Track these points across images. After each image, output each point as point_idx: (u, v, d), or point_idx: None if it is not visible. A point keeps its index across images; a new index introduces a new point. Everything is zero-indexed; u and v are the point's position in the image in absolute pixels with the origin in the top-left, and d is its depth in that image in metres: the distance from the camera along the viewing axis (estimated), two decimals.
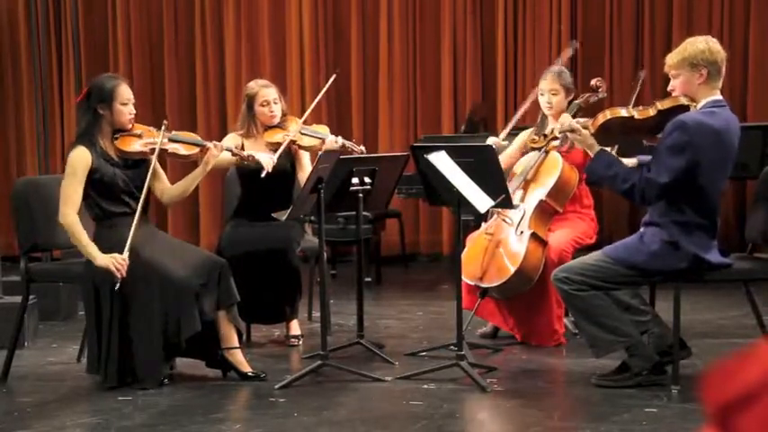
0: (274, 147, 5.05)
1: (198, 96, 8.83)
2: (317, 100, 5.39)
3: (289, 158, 5.14)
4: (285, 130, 5.11)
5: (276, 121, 5.15)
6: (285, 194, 5.08)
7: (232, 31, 8.79)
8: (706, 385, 0.83)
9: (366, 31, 8.71)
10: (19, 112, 9.07)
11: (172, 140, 4.51)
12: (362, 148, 5.10)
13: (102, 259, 4.20)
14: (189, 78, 8.93)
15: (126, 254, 4.20)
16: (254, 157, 4.83)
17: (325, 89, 5.37)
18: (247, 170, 4.99)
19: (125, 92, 4.41)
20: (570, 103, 5.08)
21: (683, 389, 4.00)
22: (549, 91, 5.08)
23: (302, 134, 5.10)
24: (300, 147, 5.12)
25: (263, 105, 5.13)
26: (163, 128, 4.44)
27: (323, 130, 5.20)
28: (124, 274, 4.16)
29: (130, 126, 4.43)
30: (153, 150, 4.41)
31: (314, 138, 5.10)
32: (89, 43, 8.94)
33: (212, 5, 8.83)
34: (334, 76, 5.47)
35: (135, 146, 4.41)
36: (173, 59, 8.90)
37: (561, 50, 8.22)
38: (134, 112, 4.44)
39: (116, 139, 4.41)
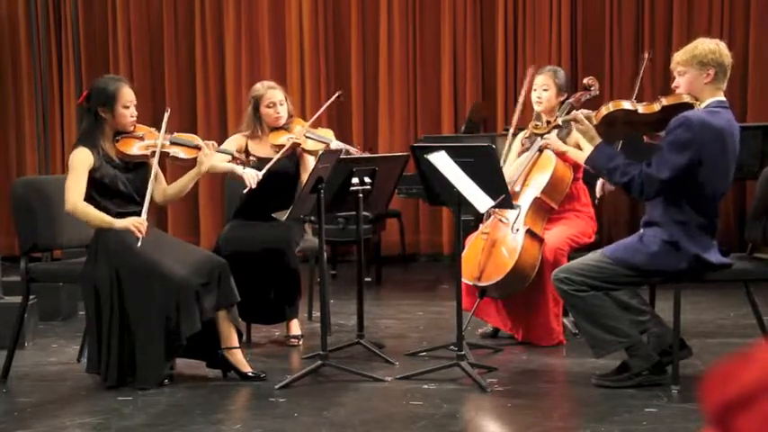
0: (278, 148, 5.06)
1: (198, 96, 8.84)
2: (319, 112, 5.39)
3: (294, 161, 5.14)
4: (290, 132, 5.11)
5: (282, 122, 5.15)
6: (288, 196, 5.09)
7: (232, 31, 8.79)
8: (706, 386, 0.83)
9: (366, 31, 8.71)
10: (19, 112, 9.08)
11: (173, 143, 4.50)
12: (367, 154, 5.10)
13: (120, 222, 4.25)
14: (189, 78, 8.93)
15: (144, 216, 4.27)
16: (252, 168, 4.86)
17: (326, 104, 5.43)
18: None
19: (127, 94, 4.39)
20: (563, 102, 5.10)
21: (683, 389, 4.00)
22: (540, 86, 5.12)
23: (307, 137, 5.10)
24: (305, 150, 5.11)
25: (269, 107, 5.13)
26: (163, 130, 4.43)
27: (328, 134, 5.19)
28: (144, 234, 4.21)
29: (132, 128, 4.43)
30: (154, 153, 4.40)
31: (318, 142, 5.09)
32: (89, 43, 8.94)
33: (212, 5, 8.83)
34: (337, 94, 5.55)
35: (136, 148, 4.41)
36: (173, 59, 8.90)
37: (561, 50, 8.25)
38: (136, 114, 4.44)
39: (117, 141, 4.40)
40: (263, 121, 5.15)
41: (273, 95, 5.13)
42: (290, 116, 5.19)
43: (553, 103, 5.12)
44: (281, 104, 5.14)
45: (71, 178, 4.31)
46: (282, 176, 5.00)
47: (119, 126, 4.40)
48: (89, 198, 4.34)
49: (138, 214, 4.33)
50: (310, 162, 5.13)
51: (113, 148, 4.40)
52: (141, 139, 4.44)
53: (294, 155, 5.13)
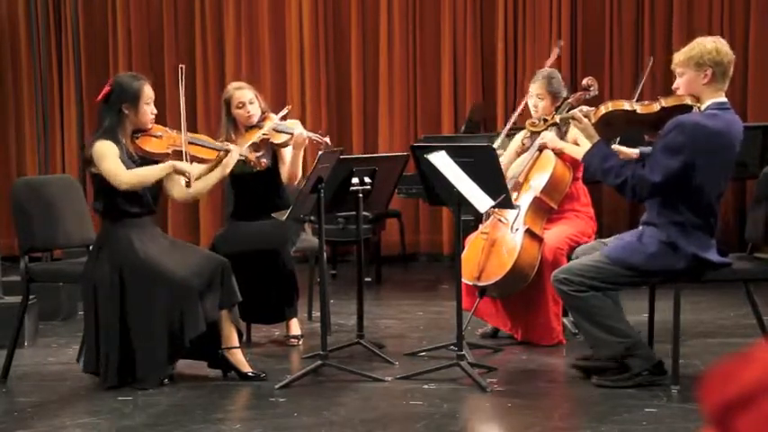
0: (254, 146, 5.06)
1: (198, 97, 8.83)
2: (276, 118, 5.17)
3: (270, 155, 5.14)
4: (263, 129, 5.11)
5: (255, 120, 5.14)
6: (274, 191, 5.10)
7: (232, 31, 8.79)
8: (706, 386, 0.83)
9: (366, 31, 8.71)
10: (19, 111, 9.08)
11: (192, 143, 4.51)
12: (327, 139, 5.04)
13: (181, 164, 4.31)
14: (189, 78, 8.91)
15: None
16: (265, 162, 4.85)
17: (281, 113, 5.26)
18: (235, 173, 4.95)
19: (149, 92, 4.42)
20: (561, 104, 5.09)
21: (683, 389, 4.00)
22: (535, 95, 5.12)
23: (276, 131, 5.10)
24: (275, 144, 5.11)
25: (239, 108, 5.13)
26: (183, 131, 4.42)
27: (294, 124, 5.19)
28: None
29: (150, 126, 4.44)
30: (175, 152, 4.41)
31: (284, 134, 5.09)
32: (89, 43, 8.94)
33: (212, 5, 8.83)
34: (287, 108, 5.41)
35: (157, 146, 4.42)
36: (173, 59, 8.89)
37: (561, 50, 8.25)
38: (155, 111, 4.45)
39: (137, 138, 4.41)
40: (237, 123, 5.16)
41: (242, 95, 5.14)
42: (264, 113, 5.19)
43: (548, 111, 5.10)
44: (251, 103, 5.13)
45: (108, 163, 4.25)
46: (262, 174, 5.00)
47: (140, 123, 4.41)
48: (102, 192, 4.33)
49: (146, 218, 4.41)
50: (285, 153, 5.15)
51: (132, 144, 4.41)
52: (160, 137, 4.45)
53: (270, 150, 5.14)
